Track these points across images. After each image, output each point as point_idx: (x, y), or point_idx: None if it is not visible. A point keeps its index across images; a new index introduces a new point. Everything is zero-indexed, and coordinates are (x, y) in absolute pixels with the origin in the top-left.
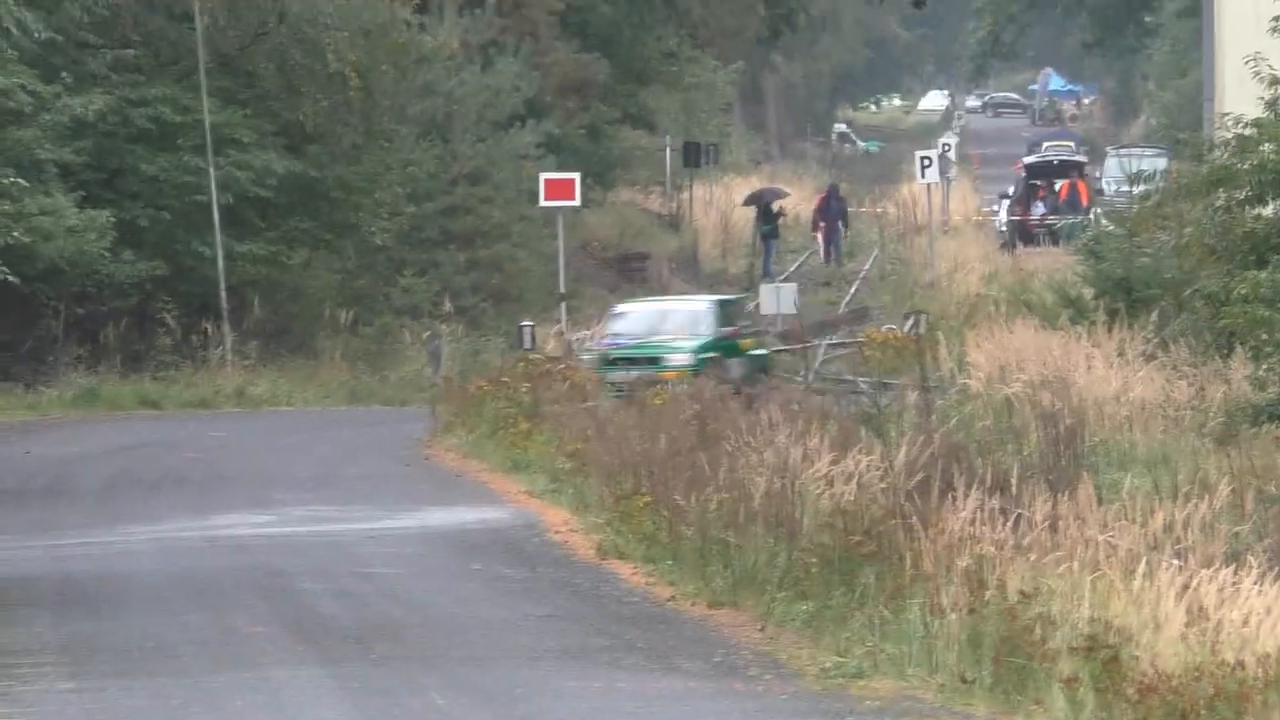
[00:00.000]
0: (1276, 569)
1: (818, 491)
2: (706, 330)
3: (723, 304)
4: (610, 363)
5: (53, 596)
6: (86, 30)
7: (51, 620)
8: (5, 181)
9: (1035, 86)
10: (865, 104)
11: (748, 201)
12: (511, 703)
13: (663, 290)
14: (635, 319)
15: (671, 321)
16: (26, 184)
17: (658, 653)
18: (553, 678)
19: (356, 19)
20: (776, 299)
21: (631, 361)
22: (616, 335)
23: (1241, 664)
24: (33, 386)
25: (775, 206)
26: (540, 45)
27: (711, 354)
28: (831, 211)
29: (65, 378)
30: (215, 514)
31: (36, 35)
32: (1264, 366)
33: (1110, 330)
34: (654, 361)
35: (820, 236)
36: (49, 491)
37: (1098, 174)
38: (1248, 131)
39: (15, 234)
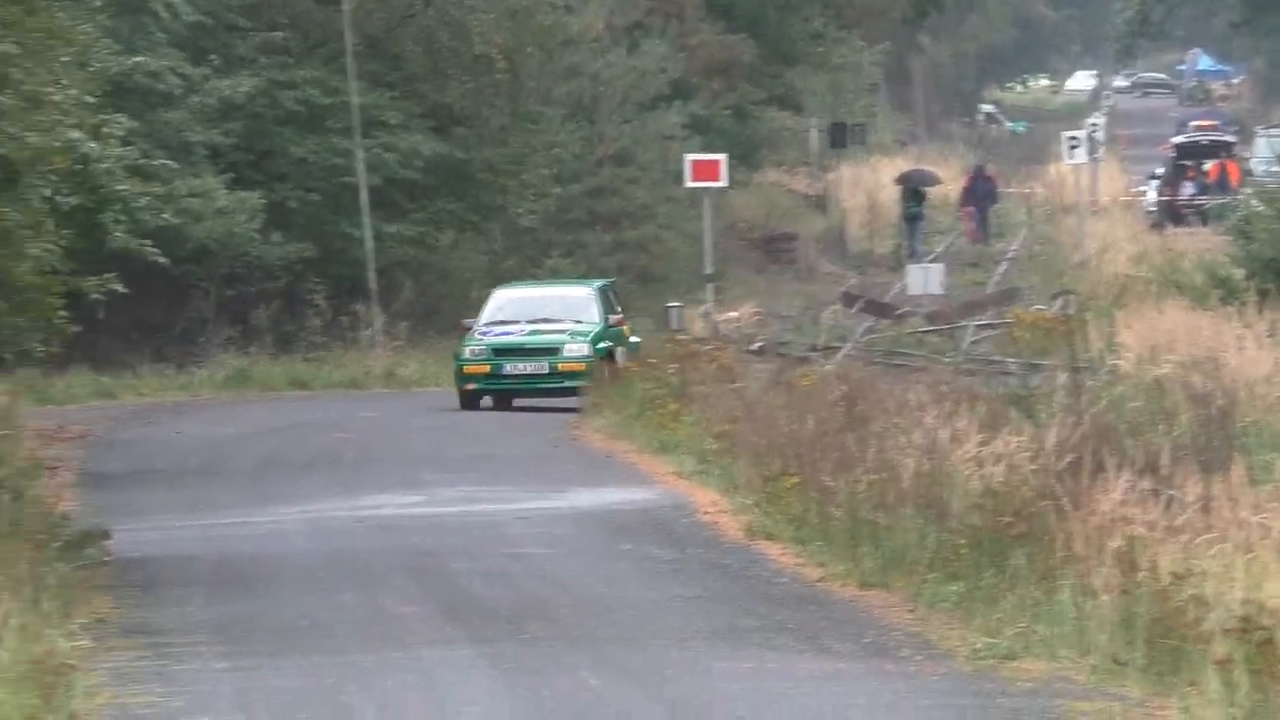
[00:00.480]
0: None
1: (967, 472)
2: (596, 317)
3: (603, 289)
4: (501, 354)
5: (207, 576)
6: (235, 13)
7: (206, 599)
8: (155, 163)
9: (1183, 67)
10: (1012, 84)
11: (899, 181)
12: (661, 683)
13: (809, 271)
14: (517, 306)
15: (557, 309)
16: (176, 166)
17: (808, 633)
18: (702, 658)
19: (502, 1)
20: (924, 279)
21: (525, 353)
22: (501, 324)
23: None
24: (184, 367)
25: (922, 189)
26: (686, 26)
27: (606, 343)
28: (978, 192)
29: (216, 359)
30: (366, 494)
31: (185, 18)
32: None
33: (1261, 311)
34: (551, 353)
35: (967, 216)
36: (202, 471)
37: (1247, 154)
38: None
39: (165, 215)
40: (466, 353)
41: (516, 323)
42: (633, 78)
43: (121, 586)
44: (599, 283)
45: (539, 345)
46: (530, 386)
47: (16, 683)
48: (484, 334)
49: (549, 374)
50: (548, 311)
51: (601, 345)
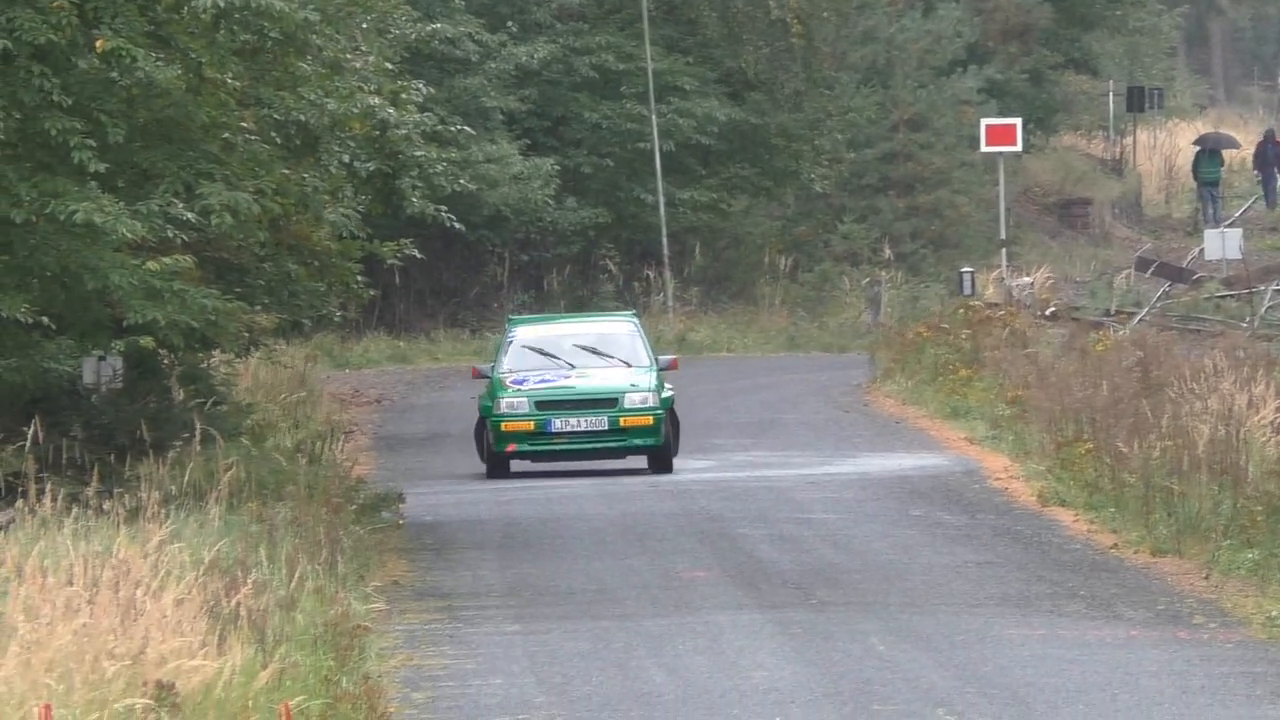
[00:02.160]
0: None
1: (1264, 439)
2: (646, 359)
3: (639, 321)
4: (546, 407)
5: (498, 539)
6: None
7: (497, 563)
8: (452, 129)
9: None
10: None
11: (1197, 143)
12: (952, 649)
13: (1104, 236)
14: (545, 346)
15: (598, 347)
16: (473, 132)
17: (1100, 600)
18: (993, 624)
19: None
20: (1222, 244)
21: (577, 404)
22: (531, 369)
23: None
24: (479, 332)
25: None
26: None
27: (669, 391)
28: (1268, 157)
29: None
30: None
31: None
32: None
33: None
34: (609, 404)
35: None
36: None
37: None
38: None
39: (462, 181)
40: (503, 406)
41: (553, 368)
42: (928, 42)
43: (415, 550)
44: (629, 313)
45: (594, 395)
46: (586, 447)
47: (312, 645)
48: (519, 382)
49: (609, 431)
50: (588, 350)
51: (667, 395)
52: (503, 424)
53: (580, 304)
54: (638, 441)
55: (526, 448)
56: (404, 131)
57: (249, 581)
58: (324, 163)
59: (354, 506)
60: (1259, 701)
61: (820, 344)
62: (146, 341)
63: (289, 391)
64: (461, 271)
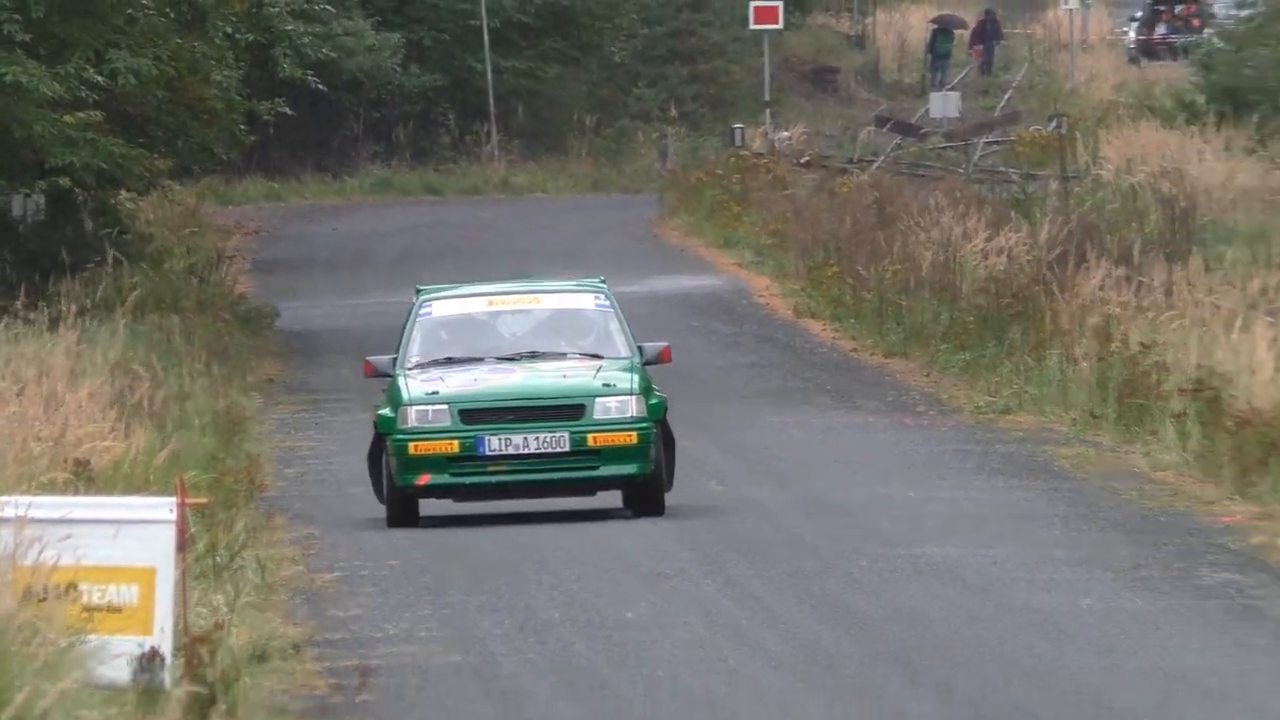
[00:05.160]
0: None
1: (975, 263)
2: (623, 347)
3: (609, 293)
4: (475, 417)
5: (355, 346)
6: None
7: (353, 365)
8: (316, 7)
9: None
10: None
11: (934, 21)
12: (725, 430)
13: (849, 99)
14: (472, 327)
15: (548, 332)
16: (334, 10)
17: (842, 394)
18: (758, 413)
19: None
20: (944, 104)
21: (526, 414)
22: (452, 363)
23: None
24: (339, 176)
25: (952, 30)
26: None
27: (658, 395)
28: (987, 33)
29: (364, 169)
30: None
31: None
32: None
33: (1218, 130)
34: (573, 412)
35: (978, 54)
36: (353, 262)
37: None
38: None
39: (324, 51)
40: (411, 418)
41: (479, 360)
42: None
43: (287, 353)
44: (594, 281)
45: (549, 399)
46: (536, 478)
47: (202, 430)
48: (432, 380)
49: (572, 453)
50: (538, 335)
51: (656, 399)
52: (410, 445)
53: (423, 154)
54: (614, 470)
55: (447, 480)
56: (276, 9)
57: (150, 379)
58: (210, 34)
59: (236, 318)
60: (969, 474)
61: (619, 187)
62: (64, 181)
63: (182, 224)
64: (325, 126)
